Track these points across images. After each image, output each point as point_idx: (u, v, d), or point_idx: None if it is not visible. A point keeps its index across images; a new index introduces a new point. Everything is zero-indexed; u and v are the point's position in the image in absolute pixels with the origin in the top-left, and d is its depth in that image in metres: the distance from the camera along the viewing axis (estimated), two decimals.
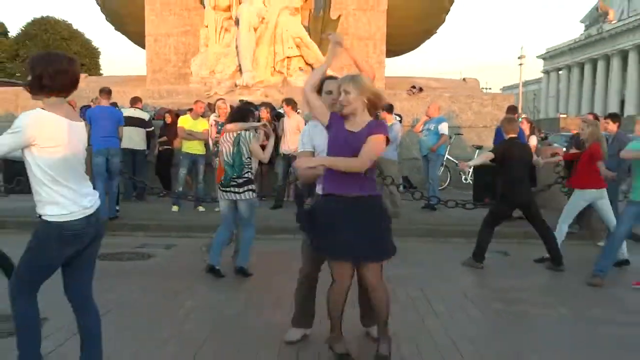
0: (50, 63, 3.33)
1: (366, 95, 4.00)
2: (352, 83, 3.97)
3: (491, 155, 7.43)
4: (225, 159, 6.56)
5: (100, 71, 46.73)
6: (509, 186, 7.30)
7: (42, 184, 3.30)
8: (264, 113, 10.74)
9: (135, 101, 11.77)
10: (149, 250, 7.99)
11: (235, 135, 6.55)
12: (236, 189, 6.52)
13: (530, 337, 4.77)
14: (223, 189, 6.59)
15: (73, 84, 3.47)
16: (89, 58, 46.37)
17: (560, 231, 7.57)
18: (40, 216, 3.36)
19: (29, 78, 3.34)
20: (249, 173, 6.59)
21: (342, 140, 3.97)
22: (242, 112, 6.92)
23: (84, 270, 3.67)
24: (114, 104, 13.35)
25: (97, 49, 49.21)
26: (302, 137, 4.49)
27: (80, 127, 3.56)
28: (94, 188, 3.63)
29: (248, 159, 6.55)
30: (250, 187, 6.58)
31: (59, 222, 3.32)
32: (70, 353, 4.37)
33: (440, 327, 5.07)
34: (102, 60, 56.12)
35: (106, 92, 10.19)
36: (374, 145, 3.91)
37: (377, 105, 4.14)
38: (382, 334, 4.16)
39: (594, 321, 5.28)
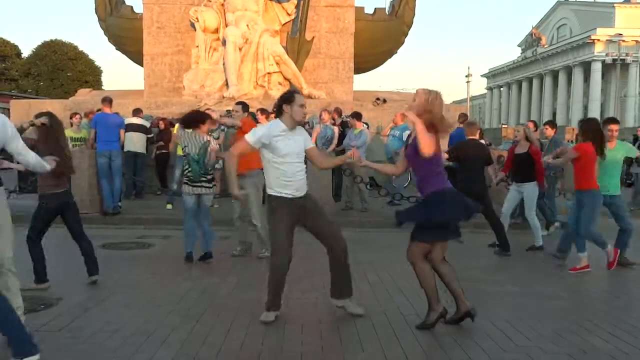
0: None
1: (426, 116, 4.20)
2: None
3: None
4: (194, 157, 6.49)
5: (103, 87, 46.07)
6: (467, 180, 7.29)
7: None
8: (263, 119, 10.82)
9: (137, 111, 11.61)
10: (148, 241, 7.89)
11: (204, 139, 6.52)
12: (206, 184, 6.56)
13: (485, 309, 4.79)
14: (192, 184, 6.52)
15: None
16: (92, 76, 45.75)
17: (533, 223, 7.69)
18: None
19: None
20: (214, 171, 6.74)
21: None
22: (195, 117, 6.66)
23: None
24: (116, 114, 13.23)
25: (100, 67, 48.53)
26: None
27: None
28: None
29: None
30: (213, 183, 6.74)
31: None
32: (84, 326, 4.31)
33: (406, 302, 5.09)
34: (104, 78, 55.27)
35: (108, 100, 10.07)
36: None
37: (436, 127, 4.25)
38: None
39: (539, 296, 5.34)
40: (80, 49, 46.53)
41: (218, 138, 10.35)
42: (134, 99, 15.45)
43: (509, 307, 4.99)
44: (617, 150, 6.59)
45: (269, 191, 4.56)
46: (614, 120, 6.80)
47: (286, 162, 4.47)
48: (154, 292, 5.34)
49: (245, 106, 7.10)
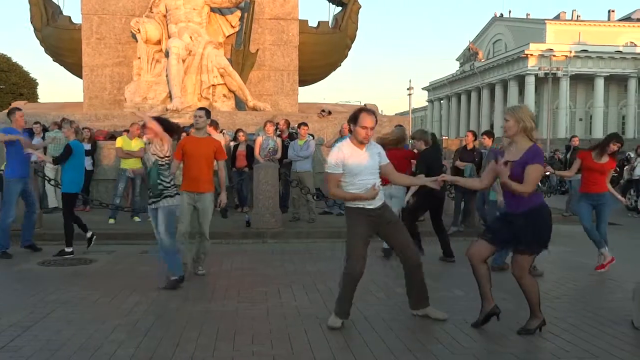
0: None
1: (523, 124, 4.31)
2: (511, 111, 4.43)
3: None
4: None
5: (38, 99, 44.37)
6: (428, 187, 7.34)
7: None
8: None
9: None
10: (90, 257, 7.62)
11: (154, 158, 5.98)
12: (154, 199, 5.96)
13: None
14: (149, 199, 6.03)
15: None
16: (27, 88, 43.93)
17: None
18: None
19: None
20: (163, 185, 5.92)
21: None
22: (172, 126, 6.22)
23: None
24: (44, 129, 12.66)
25: (35, 79, 46.73)
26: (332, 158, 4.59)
27: None
28: None
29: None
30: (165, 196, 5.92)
31: None
32: (24, 346, 4.12)
33: (355, 310, 5.12)
34: (40, 90, 53.23)
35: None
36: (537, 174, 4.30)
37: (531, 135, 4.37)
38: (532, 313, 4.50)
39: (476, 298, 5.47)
40: (14, 60, 44.71)
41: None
42: (73, 111, 14.97)
43: (456, 311, 5.10)
44: None
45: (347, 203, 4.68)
46: None
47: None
48: (98, 308, 5.17)
49: (208, 112, 6.76)
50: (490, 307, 4.56)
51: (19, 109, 8.10)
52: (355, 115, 4.57)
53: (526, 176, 4.28)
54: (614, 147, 6.88)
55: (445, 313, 4.88)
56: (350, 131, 4.72)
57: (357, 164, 4.54)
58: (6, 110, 9.02)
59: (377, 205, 4.65)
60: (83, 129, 12.10)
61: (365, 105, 19.25)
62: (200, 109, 6.69)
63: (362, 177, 4.56)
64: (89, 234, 7.92)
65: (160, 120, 6.11)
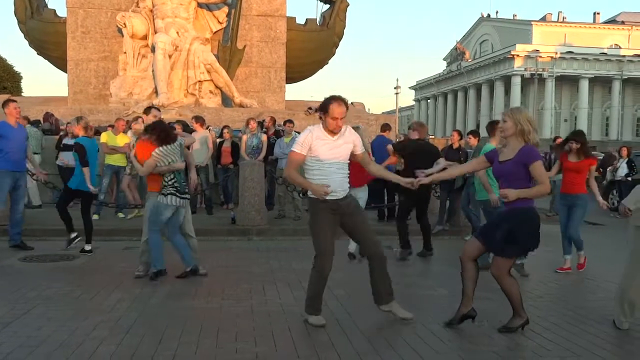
0: None
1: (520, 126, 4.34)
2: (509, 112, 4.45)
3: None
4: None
5: (22, 93, 43.80)
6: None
7: None
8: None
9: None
10: (73, 253, 7.54)
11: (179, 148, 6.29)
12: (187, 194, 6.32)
13: (418, 312, 4.86)
14: (181, 195, 6.18)
15: None
16: (10, 82, 43.31)
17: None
18: None
19: None
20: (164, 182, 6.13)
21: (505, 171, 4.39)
22: (169, 132, 6.37)
23: None
24: (37, 122, 12.63)
25: (19, 73, 46.12)
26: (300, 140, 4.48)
27: None
28: None
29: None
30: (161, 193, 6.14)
31: None
32: (3, 342, 4.08)
33: (340, 307, 5.13)
34: (24, 84, 52.55)
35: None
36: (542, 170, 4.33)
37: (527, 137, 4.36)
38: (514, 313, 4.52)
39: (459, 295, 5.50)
40: None
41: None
42: (57, 106, 14.83)
43: (439, 309, 5.11)
44: None
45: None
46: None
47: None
48: (80, 305, 5.11)
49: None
50: (467, 310, 4.58)
51: (13, 101, 7.80)
52: (325, 105, 4.43)
53: (537, 177, 4.30)
54: (573, 146, 6.89)
55: (411, 313, 4.77)
56: (320, 118, 4.55)
57: (324, 150, 4.44)
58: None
59: (340, 196, 4.53)
60: (67, 123, 11.98)
61: (352, 103, 19.30)
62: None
63: (329, 164, 4.47)
64: (73, 235, 7.71)
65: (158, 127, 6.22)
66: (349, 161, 4.63)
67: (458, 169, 5.54)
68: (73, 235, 7.67)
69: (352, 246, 7.19)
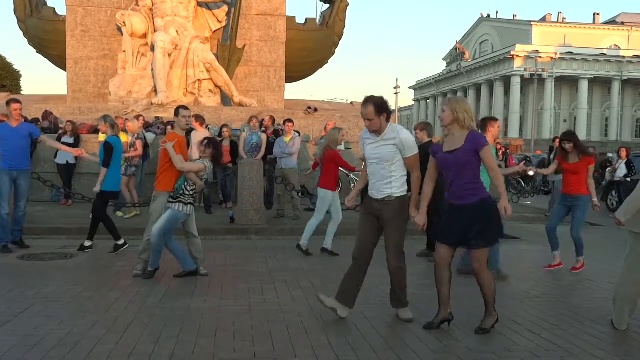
0: None
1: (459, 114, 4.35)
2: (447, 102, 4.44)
3: None
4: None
5: (22, 92, 43.79)
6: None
7: None
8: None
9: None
10: (70, 251, 7.54)
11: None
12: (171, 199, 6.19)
13: (415, 312, 4.87)
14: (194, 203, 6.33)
15: None
16: (9, 80, 43.29)
17: None
18: None
19: None
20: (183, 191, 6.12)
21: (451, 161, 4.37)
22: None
23: None
24: (36, 120, 12.61)
25: (18, 71, 46.08)
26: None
27: None
28: None
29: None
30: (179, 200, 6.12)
31: None
32: (1, 341, 4.07)
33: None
34: (23, 82, 52.50)
35: None
36: (492, 155, 4.39)
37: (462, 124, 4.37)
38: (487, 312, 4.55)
39: (464, 298, 5.49)
40: None
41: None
42: (56, 104, 14.81)
43: (436, 310, 5.10)
44: None
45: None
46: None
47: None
48: (78, 303, 5.10)
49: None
50: (445, 314, 4.61)
51: (16, 101, 7.72)
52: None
53: (488, 162, 4.35)
54: (566, 146, 6.96)
55: (411, 314, 4.85)
56: None
57: (366, 149, 4.75)
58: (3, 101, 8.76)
59: (377, 197, 4.69)
60: (67, 122, 11.98)
61: (352, 103, 19.31)
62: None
63: (370, 163, 4.73)
64: (120, 241, 7.60)
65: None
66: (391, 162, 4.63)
67: (428, 185, 5.14)
68: (121, 242, 7.62)
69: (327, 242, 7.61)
